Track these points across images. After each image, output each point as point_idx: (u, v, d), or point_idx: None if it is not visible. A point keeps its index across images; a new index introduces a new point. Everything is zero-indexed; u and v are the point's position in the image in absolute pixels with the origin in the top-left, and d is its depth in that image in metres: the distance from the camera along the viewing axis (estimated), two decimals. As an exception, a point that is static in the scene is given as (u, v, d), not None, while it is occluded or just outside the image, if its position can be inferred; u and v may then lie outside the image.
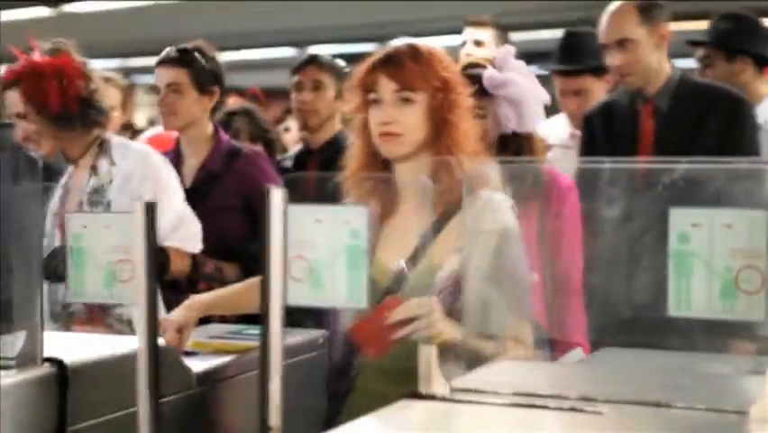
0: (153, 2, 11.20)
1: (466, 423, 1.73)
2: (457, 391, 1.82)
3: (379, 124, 2.38)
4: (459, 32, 4.73)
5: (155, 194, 3.11)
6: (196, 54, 3.60)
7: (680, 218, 1.58)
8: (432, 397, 1.81)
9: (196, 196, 3.41)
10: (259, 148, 4.15)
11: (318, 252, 1.76)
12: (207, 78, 3.58)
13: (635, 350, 1.97)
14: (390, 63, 2.39)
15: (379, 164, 2.44)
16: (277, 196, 1.76)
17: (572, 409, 1.71)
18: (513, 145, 2.84)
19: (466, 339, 2.18)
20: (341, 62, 4.13)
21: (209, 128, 3.64)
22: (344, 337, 2.39)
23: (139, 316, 1.99)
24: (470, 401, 1.78)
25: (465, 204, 2.30)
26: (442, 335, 2.13)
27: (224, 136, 3.69)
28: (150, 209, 1.97)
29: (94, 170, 3.23)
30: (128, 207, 2.90)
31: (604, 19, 3.47)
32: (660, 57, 3.42)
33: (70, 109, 3.18)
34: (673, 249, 1.56)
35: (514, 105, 2.82)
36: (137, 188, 3.15)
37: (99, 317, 3.04)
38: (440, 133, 2.37)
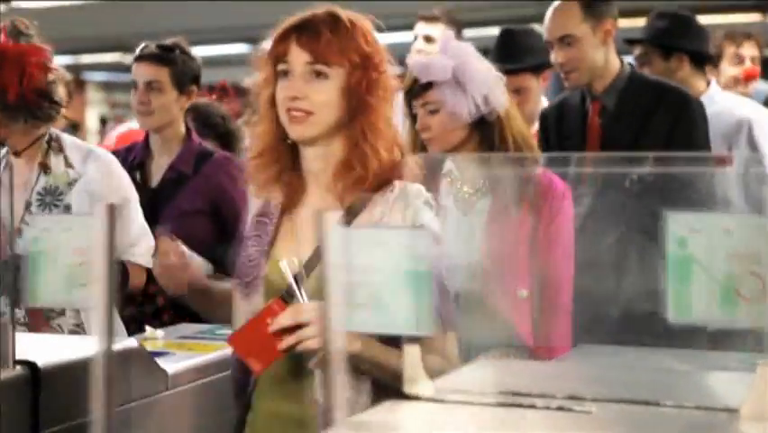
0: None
1: (454, 424, 1.68)
2: (442, 391, 1.78)
3: (286, 99, 2.09)
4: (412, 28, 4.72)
5: (119, 205, 2.99)
6: (177, 52, 3.54)
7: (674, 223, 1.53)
8: (417, 398, 1.77)
9: (162, 196, 3.34)
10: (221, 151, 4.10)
11: (380, 277, 1.67)
12: (187, 78, 3.53)
13: (620, 347, 1.95)
14: (305, 31, 2.10)
15: (287, 148, 2.16)
16: (330, 219, 1.61)
17: (561, 409, 1.67)
18: (479, 135, 2.69)
19: (368, 351, 1.98)
20: None
21: (182, 128, 3.57)
22: None
23: (97, 320, 1.93)
24: (457, 401, 1.74)
25: (375, 197, 2.09)
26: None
27: (196, 138, 3.62)
28: (112, 212, 1.92)
29: (44, 168, 3.04)
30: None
31: (548, 15, 3.42)
32: (606, 53, 3.35)
33: (27, 100, 2.97)
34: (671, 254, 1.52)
35: (452, 89, 2.65)
36: (101, 199, 2.91)
37: (40, 324, 2.92)
38: (355, 115, 2.10)
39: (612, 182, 2.71)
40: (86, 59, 13.42)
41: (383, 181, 2.10)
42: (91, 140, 11.10)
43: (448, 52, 2.69)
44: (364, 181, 2.08)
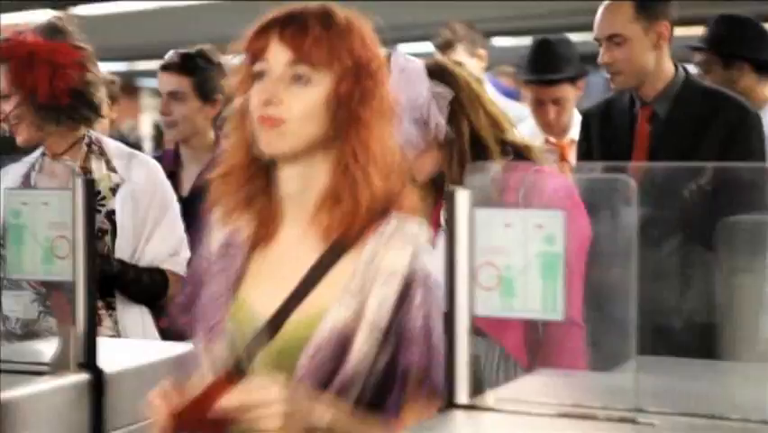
0: (160, 4, 11.11)
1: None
2: (501, 401, 1.74)
3: (259, 105, 1.72)
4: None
5: (161, 213, 2.91)
6: (200, 60, 3.43)
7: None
8: (474, 407, 1.74)
9: (192, 205, 3.25)
10: None
11: (509, 258, 1.60)
12: (211, 86, 3.40)
13: (681, 359, 1.89)
14: (289, 25, 1.73)
15: (262, 168, 1.79)
16: (462, 198, 1.62)
17: (623, 420, 1.63)
18: (449, 153, 2.47)
19: (340, 424, 1.68)
20: None
21: (211, 136, 3.45)
22: None
23: (77, 294, 1.94)
24: (516, 411, 1.71)
25: (367, 232, 1.74)
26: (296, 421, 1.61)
27: None
28: (90, 185, 1.94)
29: (84, 171, 2.87)
30: (135, 224, 2.85)
31: (599, 13, 3.24)
32: (659, 57, 3.15)
33: (60, 100, 2.78)
34: None
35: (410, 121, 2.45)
36: (146, 206, 2.91)
37: None
38: (344, 131, 1.73)
39: (670, 192, 2.60)
40: (141, 65, 13.55)
41: (376, 214, 1.74)
42: (146, 145, 11.19)
43: (391, 79, 2.53)
44: (354, 215, 1.73)
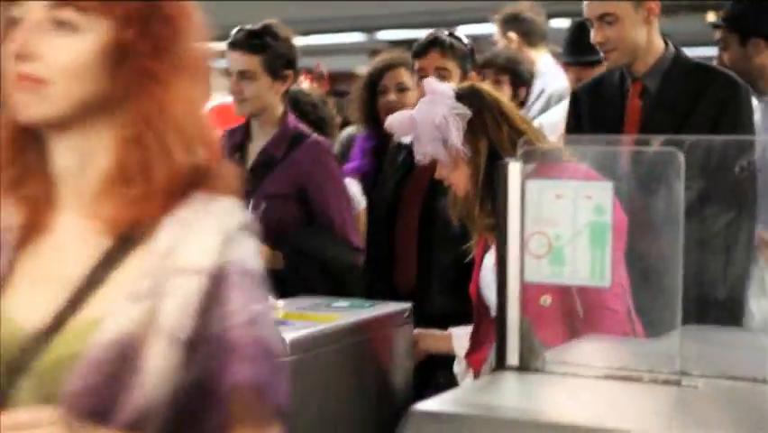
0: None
1: (561, 394, 1.68)
2: (551, 363, 1.77)
3: (12, 60, 1.33)
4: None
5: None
6: (267, 38, 3.39)
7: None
8: (525, 369, 1.77)
9: (254, 178, 3.27)
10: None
11: (559, 228, 1.64)
12: (280, 63, 3.38)
13: (725, 328, 1.91)
14: None
15: (35, 139, 1.39)
16: (514, 169, 1.66)
17: (667, 382, 1.66)
18: (475, 167, 2.57)
19: None
20: (463, 41, 3.69)
21: (279, 111, 3.43)
22: None
23: None
24: (564, 373, 1.74)
25: (164, 218, 1.35)
26: None
27: (292, 121, 3.48)
28: None
29: None
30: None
31: None
32: (649, 33, 3.11)
33: None
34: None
35: (419, 142, 2.61)
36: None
37: None
38: (133, 91, 1.35)
39: (720, 167, 2.56)
40: (215, 46, 13.70)
41: (177, 196, 1.35)
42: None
43: (419, 103, 2.65)
44: (147, 200, 1.34)
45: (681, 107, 3.03)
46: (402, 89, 3.87)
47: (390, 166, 3.52)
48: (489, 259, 2.47)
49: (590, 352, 1.80)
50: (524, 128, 2.57)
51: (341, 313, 2.66)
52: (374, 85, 3.84)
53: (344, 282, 3.19)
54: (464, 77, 3.50)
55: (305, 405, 2.43)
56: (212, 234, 1.35)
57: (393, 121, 2.65)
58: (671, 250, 1.79)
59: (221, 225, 1.36)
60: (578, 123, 3.25)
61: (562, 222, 1.62)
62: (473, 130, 2.54)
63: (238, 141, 3.39)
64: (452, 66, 3.57)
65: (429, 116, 2.56)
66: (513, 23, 4.85)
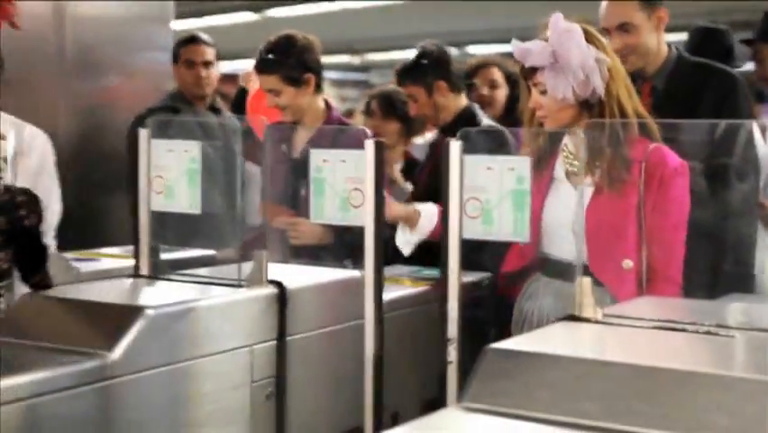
0: (340, 4, 11.48)
1: (615, 340, 1.84)
2: (608, 316, 1.94)
3: None
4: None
5: None
6: (278, 56, 3.40)
7: None
8: (586, 320, 1.94)
9: (302, 167, 3.32)
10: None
11: (489, 194, 1.94)
12: (297, 72, 3.39)
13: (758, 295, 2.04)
14: None
15: None
16: (455, 147, 1.94)
17: (708, 333, 1.81)
18: (588, 115, 2.53)
19: None
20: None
21: (319, 108, 3.47)
22: None
23: (366, 239, 2.18)
24: (619, 324, 1.90)
25: None
26: None
27: (335, 113, 3.52)
28: (380, 147, 2.19)
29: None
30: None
31: (604, 4, 3.29)
32: (658, 38, 3.25)
33: None
34: None
35: (552, 72, 2.49)
36: None
37: None
38: None
39: None
40: (322, 60, 13.97)
41: None
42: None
43: (554, 35, 2.51)
44: None
45: (684, 103, 3.16)
46: (494, 86, 4.11)
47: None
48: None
49: (644, 308, 1.96)
50: (629, 84, 2.61)
51: (427, 280, 2.88)
52: (468, 81, 4.01)
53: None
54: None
55: (400, 352, 2.64)
56: None
57: (530, 48, 2.51)
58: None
59: None
60: None
61: (491, 190, 1.92)
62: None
63: (285, 133, 3.47)
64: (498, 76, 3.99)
65: (573, 53, 2.47)
66: None
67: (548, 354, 1.67)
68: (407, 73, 3.71)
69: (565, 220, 2.43)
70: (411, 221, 2.78)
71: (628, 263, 2.34)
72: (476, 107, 3.73)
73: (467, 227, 1.95)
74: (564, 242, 2.48)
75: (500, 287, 2.81)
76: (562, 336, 1.85)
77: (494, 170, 1.94)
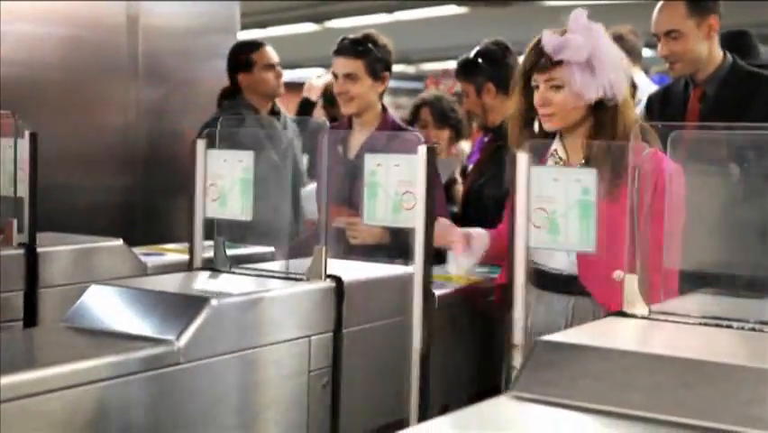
0: (397, 15, 11.50)
1: (661, 334, 1.83)
2: (655, 313, 1.93)
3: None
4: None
5: None
6: (369, 44, 3.46)
7: None
8: (634, 316, 1.93)
9: (357, 167, 3.31)
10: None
11: (555, 205, 1.91)
12: (380, 66, 3.44)
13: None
14: None
15: None
16: (522, 159, 1.91)
17: (753, 330, 1.79)
18: (594, 118, 2.42)
19: None
20: None
21: (379, 108, 3.49)
22: None
23: (417, 239, 2.19)
24: (666, 320, 1.89)
25: None
26: None
27: (390, 117, 3.54)
28: (432, 152, 2.19)
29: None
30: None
31: (655, 10, 3.26)
32: (710, 46, 3.19)
33: None
34: None
35: (582, 70, 2.37)
36: None
37: None
38: None
39: None
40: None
41: None
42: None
43: (580, 32, 2.37)
44: None
45: (734, 110, 3.09)
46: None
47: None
48: None
49: (690, 305, 1.94)
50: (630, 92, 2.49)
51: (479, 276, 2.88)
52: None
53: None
54: None
55: (454, 343, 2.67)
56: None
57: (567, 42, 2.37)
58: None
59: None
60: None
61: (558, 200, 1.89)
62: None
63: (341, 134, 3.48)
64: None
65: (611, 53, 2.37)
66: (617, 41, 4.94)
67: (596, 347, 1.67)
68: (462, 69, 3.70)
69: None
70: (462, 243, 2.63)
71: (620, 274, 2.08)
72: None
73: (533, 237, 1.92)
74: (554, 252, 2.38)
75: (497, 298, 2.70)
76: (610, 331, 1.85)
77: (560, 182, 1.91)
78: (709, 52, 3.21)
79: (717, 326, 1.82)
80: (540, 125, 2.50)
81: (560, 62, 2.38)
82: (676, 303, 1.96)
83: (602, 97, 2.38)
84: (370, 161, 2.31)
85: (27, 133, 2.67)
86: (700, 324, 1.83)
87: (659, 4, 3.29)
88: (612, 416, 1.51)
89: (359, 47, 3.45)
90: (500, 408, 1.58)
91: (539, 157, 2.42)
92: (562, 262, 2.48)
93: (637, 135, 2.12)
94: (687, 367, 1.54)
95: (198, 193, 2.55)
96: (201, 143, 2.56)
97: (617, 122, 2.40)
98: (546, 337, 1.71)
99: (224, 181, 2.50)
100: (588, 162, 2.36)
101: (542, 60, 2.42)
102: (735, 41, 4.02)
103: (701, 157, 2.03)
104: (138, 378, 1.93)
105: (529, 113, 2.51)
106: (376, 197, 2.28)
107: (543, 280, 2.50)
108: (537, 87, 2.46)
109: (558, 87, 2.40)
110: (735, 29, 4.18)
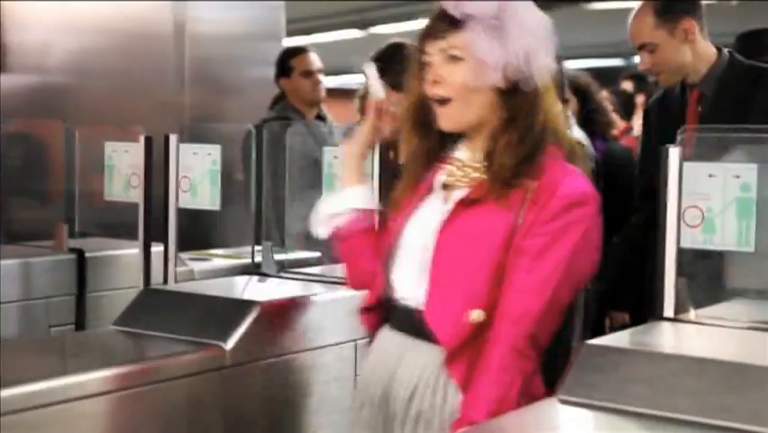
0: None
1: (707, 338, 1.82)
2: (701, 317, 1.92)
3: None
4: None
5: None
6: (381, 63, 3.31)
7: None
8: (678, 320, 1.92)
9: None
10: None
11: (711, 202, 1.80)
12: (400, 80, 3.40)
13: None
14: None
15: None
16: (674, 153, 1.82)
17: (800, 335, 1.78)
18: (506, 110, 1.73)
19: None
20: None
21: None
22: None
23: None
24: (711, 324, 1.88)
25: None
26: None
27: None
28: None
29: None
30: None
31: (628, 24, 3.07)
32: (693, 49, 2.98)
33: None
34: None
35: (489, 32, 1.69)
36: None
37: None
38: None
39: None
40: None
41: None
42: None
43: None
44: None
45: (734, 108, 2.94)
46: (563, 100, 4.12)
47: None
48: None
49: (737, 309, 1.93)
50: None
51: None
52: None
53: None
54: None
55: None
56: None
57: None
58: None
59: None
60: (648, 136, 3.21)
61: (714, 197, 1.79)
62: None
63: (390, 138, 3.43)
64: None
65: (526, 18, 1.71)
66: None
67: (641, 351, 1.68)
68: None
69: (419, 245, 1.75)
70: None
71: (479, 314, 1.64)
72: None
73: (685, 236, 1.83)
74: (413, 277, 1.74)
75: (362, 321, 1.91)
76: (655, 335, 1.84)
77: (717, 177, 1.79)
78: (694, 54, 3.03)
79: (763, 330, 1.80)
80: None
81: (460, 25, 1.71)
82: (722, 308, 1.95)
83: (514, 79, 1.71)
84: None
85: (142, 138, 2.72)
86: (747, 328, 1.82)
87: (630, 16, 3.12)
88: (658, 420, 1.51)
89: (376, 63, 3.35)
90: (546, 411, 1.59)
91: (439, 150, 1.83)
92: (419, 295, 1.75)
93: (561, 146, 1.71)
94: (733, 371, 1.53)
95: (172, 185, 2.67)
96: (173, 138, 2.68)
97: (538, 115, 1.72)
98: (592, 341, 1.71)
99: (195, 173, 2.66)
100: (489, 157, 1.74)
101: (437, 24, 1.76)
102: (751, 40, 3.96)
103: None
104: (187, 381, 1.97)
105: (425, 112, 1.81)
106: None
107: (395, 315, 1.81)
108: (430, 64, 1.77)
109: (457, 59, 1.73)
110: (751, 29, 4.09)
